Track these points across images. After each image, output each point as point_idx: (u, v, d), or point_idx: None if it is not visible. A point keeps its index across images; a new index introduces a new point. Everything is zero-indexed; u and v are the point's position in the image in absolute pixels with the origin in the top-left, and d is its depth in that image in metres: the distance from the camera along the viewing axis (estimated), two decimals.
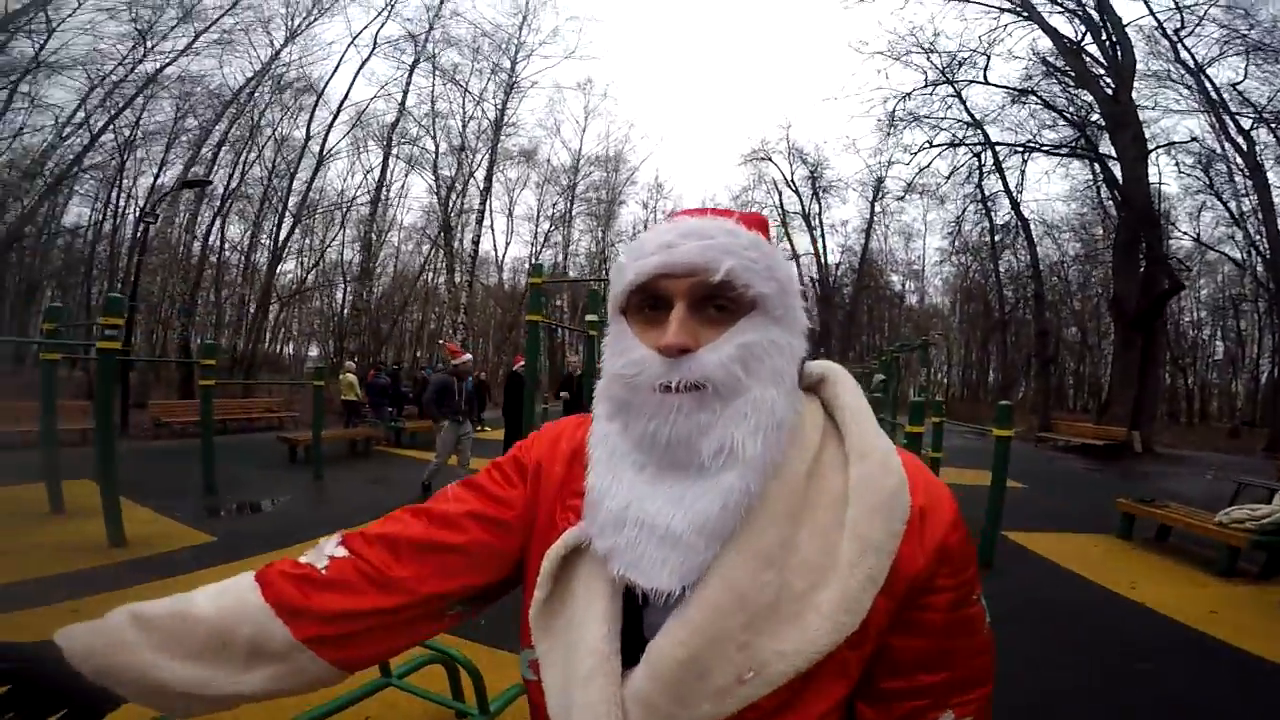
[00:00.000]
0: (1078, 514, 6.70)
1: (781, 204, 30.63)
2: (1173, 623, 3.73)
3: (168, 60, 17.08)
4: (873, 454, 0.57)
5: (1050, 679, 2.90)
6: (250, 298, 21.06)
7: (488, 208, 23.86)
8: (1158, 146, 16.94)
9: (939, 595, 0.57)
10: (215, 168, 19.04)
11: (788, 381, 0.58)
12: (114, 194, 19.65)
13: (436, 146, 22.95)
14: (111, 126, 16.82)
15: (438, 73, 21.91)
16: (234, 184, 19.85)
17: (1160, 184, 19.19)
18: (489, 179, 23.43)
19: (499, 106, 22.77)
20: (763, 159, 29.89)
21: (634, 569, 0.54)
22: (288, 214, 20.57)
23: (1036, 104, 18.68)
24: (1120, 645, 3.36)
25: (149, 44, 16.45)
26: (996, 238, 23.49)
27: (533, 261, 28.15)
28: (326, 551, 0.63)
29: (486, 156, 23.22)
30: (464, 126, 22.77)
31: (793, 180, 29.89)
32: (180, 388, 16.58)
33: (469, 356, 6.43)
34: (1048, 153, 19.39)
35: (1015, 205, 21.33)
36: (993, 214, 23.07)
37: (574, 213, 28.81)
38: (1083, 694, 2.80)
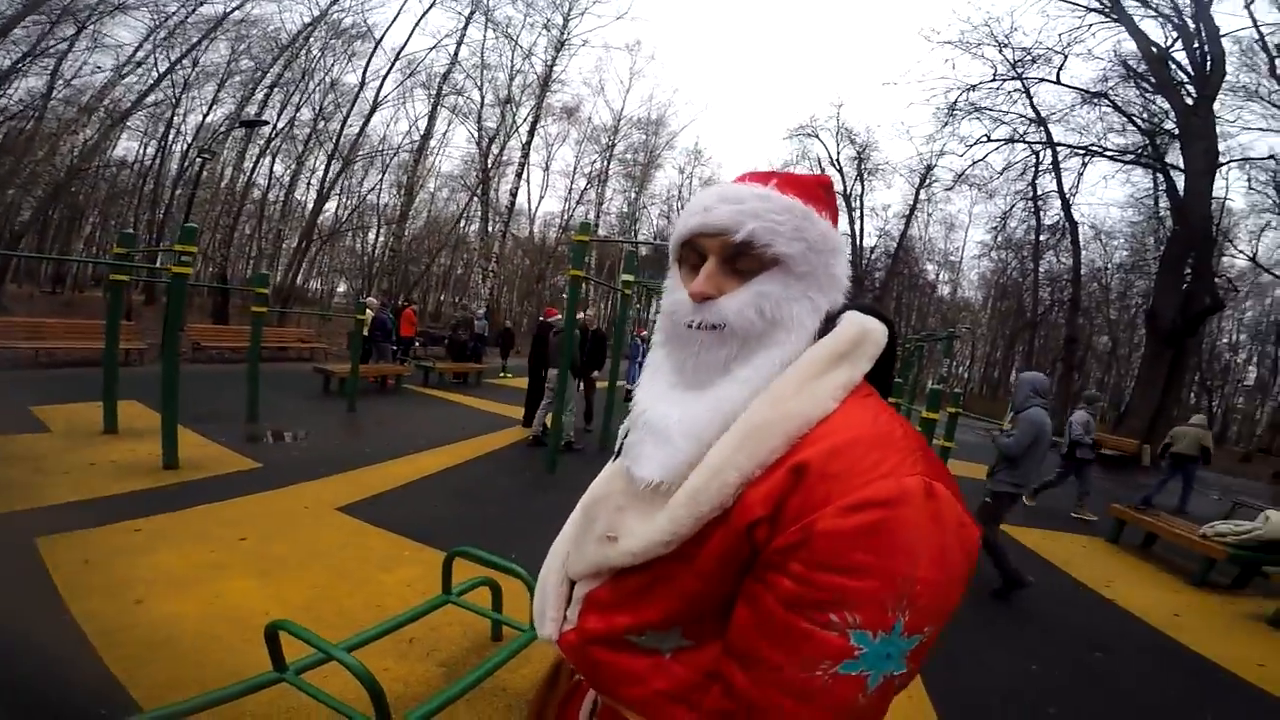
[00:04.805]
0: (1073, 517, 6.94)
1: None
2: (1137, 621, 4.00)
3: (235, 4, 17.40)
4: (775, 394, 0.62)
5: (1009, 660, 3.20)
6: (286, 233, 21.60)
7: (526, 160, 23.99)
8: (1230, 161, 16.35)
9: (782, 577, 0.55)
10: (265, 108, 19.45)
11: (802, 328, 0.66)
12: (166, 130, 20.27)
13: (482, 98, 23.01)
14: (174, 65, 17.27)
15: (491, 25, 21.84)
16: (282, 124, 20.29)
17: (1226, 198, 18.75)
18: (531, 133, 23.48)
19: (548, 62, 22.67)
20: (809, 135, 29.37)
21: (634, 462, 0.68)
22: (337, 156, 20.94)
23: (1107, 107, 18.04)
24: (1083, 636, 3.64)
25: None
26: (1042, 237, 23.06)
27: (565, 217, 28.46)
28: None
29: (530, 111, 23.23)
30: (510, 80, 22.78)
31: (838, 160, 29.38)
32: (214, 314, 17.34)
33: (592, 312, 7.11)
34: (1111, 158, 18.81)
35: (1067, 207, 20.96)
36: (1042, 213, 22.66)
37: (610, 172, 28.76)
38: (1037, 675, 3.08)
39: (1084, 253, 21.87)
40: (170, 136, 20.64)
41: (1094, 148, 19.12)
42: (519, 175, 23.68)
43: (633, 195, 29.61)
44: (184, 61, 17.68)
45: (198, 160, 15.11)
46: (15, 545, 3.04)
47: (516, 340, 16.27)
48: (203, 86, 19.48)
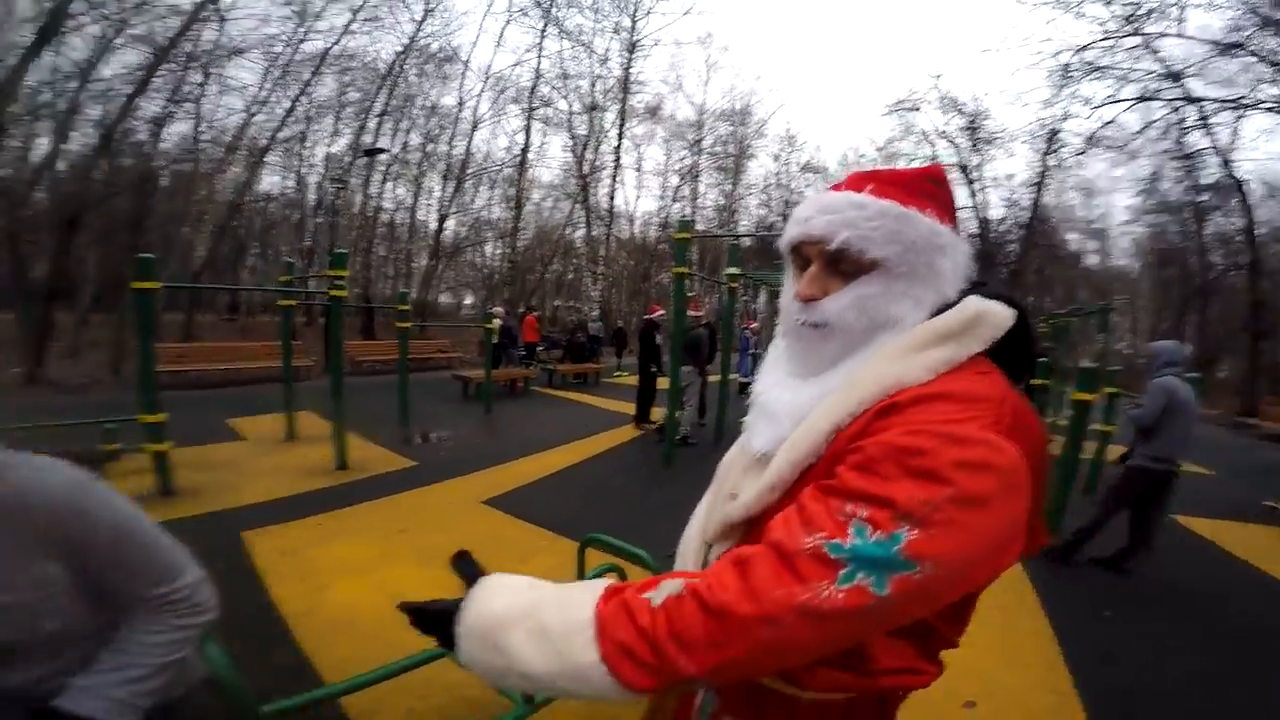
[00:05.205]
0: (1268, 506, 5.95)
1: (934, 156, 28.07)
2: None
3: (334, 40, 19.25)
4: (878, 355, 0.68)
5: (1184, 662, 2.87)
6: (415, 252, 23.56)
7: (619, 164, 24.53)
8: None
9: (826, 479, 0.60)
10: (378, 135, 21.30)
11: (903, 326, 0.69)
12: (298, 163, 22.75)
13: (570, 107, 23.77)
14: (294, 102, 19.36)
15: (564, 35, 22.57)
16: (396, 150, 22.23)
17: None
18: (620, 135, 24.01)
19: (624, 65, 23.08)
20: (910, 109, 27.41)
21: (751, 436, 0.78)
22: (450, 176, 22.61)
23: (1249, 57, 15.53)
24: (1271, 636, 3.19)
25: (307, 25, 18.57)
26: (1202, 198, 20.00)
27: (662, 215, 28.66)
28: None
29: (615, 114, 23.79)
30: (592, 86, 23.41)
31: (946, 131, 27.21)
32: (363, 330, 19.29)
33: (702, 311, 7.78)
34: (1270, 109, 16.09)
35: (1227, 164, 18.07)
36: (1197, 172, 19.61)
37: (701, 167, 28.53)
38: (1214, 679, 2.75)
39: (1258, 211, 18.69)
40: (304, 169, 23.01)
41: (1244, 100, 16.46)
42: (614, 178, 24.29)
43: (729, 187, 29.21)
44: (301, 98, 19.59)
45: (331, 189, 16.78)
46: (227, 538, 3.59)
47: (629, 339, 16.69)
48: (322, 119, 21.51)
